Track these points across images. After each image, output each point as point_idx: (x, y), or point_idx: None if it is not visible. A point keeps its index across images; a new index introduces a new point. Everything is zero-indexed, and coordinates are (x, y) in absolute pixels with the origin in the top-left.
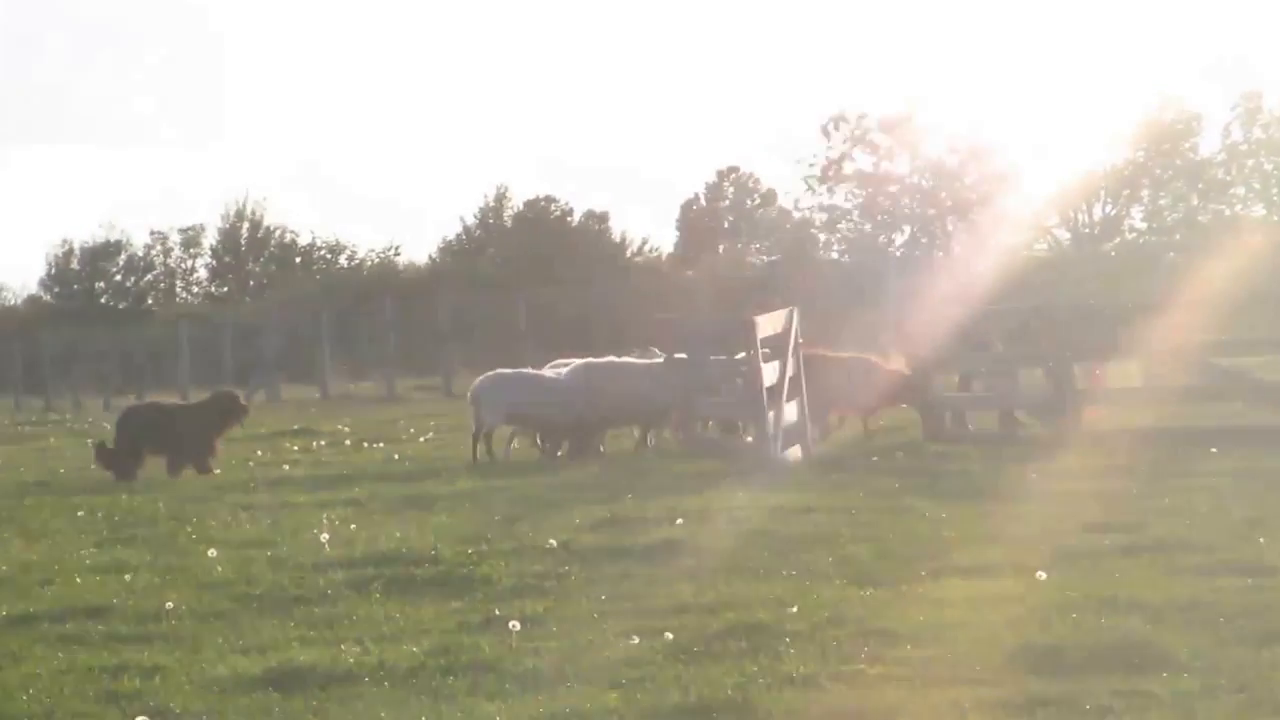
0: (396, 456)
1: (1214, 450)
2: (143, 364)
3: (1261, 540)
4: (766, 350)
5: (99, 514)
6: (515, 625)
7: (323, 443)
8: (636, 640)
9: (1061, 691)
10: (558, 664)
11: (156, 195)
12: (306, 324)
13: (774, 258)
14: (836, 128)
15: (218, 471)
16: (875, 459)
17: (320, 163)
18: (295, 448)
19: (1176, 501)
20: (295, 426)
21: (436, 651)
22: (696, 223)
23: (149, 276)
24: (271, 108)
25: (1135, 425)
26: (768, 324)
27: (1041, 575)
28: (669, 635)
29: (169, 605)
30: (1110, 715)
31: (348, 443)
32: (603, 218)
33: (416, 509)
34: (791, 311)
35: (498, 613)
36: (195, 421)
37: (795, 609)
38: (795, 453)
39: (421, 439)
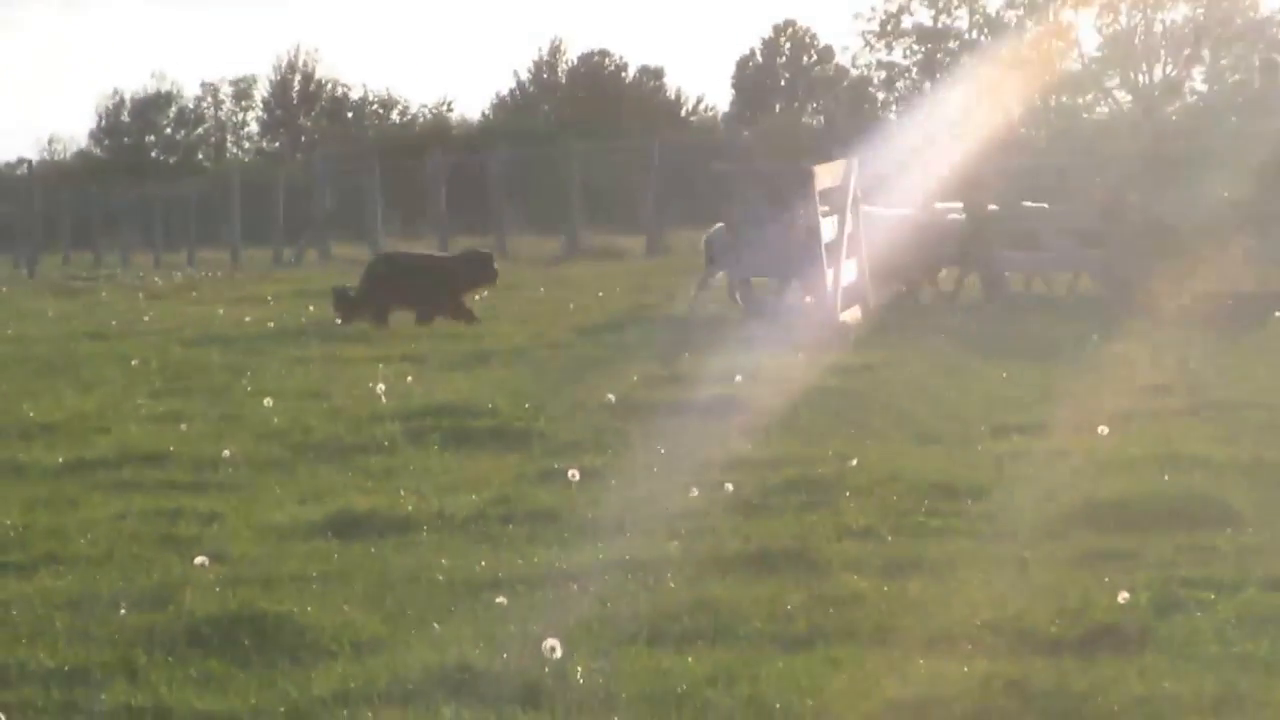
0: None
1: (1279, 314)
2: (189, 220)
3: None
4: (825, 207)
5: (153, 364)
6: (575, 475)
7: None
8: (696, 493)
9: (1123, 545)
10: (617, 514)
11: (209, 46)
12: (358, 180)
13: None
14: None
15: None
16: (934, 320)
17: (373, 13)
18: None
19: (1238, 362)
20: (348, 283)
21: (495, 501)
22: (753, 80)
23: (200, 130)
24: None
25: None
26: (826, 175)
27: (1103, 430)
28: (729, 487)
29: (225, 453)
30: (1171, 568)
31: None
32: (658, 74)
33: (473, 365)
34: (851, 163)
35: (555, 465)
36: (446, 275)
37: (854, 463)
38: (854, 313)
39: (476, 297)
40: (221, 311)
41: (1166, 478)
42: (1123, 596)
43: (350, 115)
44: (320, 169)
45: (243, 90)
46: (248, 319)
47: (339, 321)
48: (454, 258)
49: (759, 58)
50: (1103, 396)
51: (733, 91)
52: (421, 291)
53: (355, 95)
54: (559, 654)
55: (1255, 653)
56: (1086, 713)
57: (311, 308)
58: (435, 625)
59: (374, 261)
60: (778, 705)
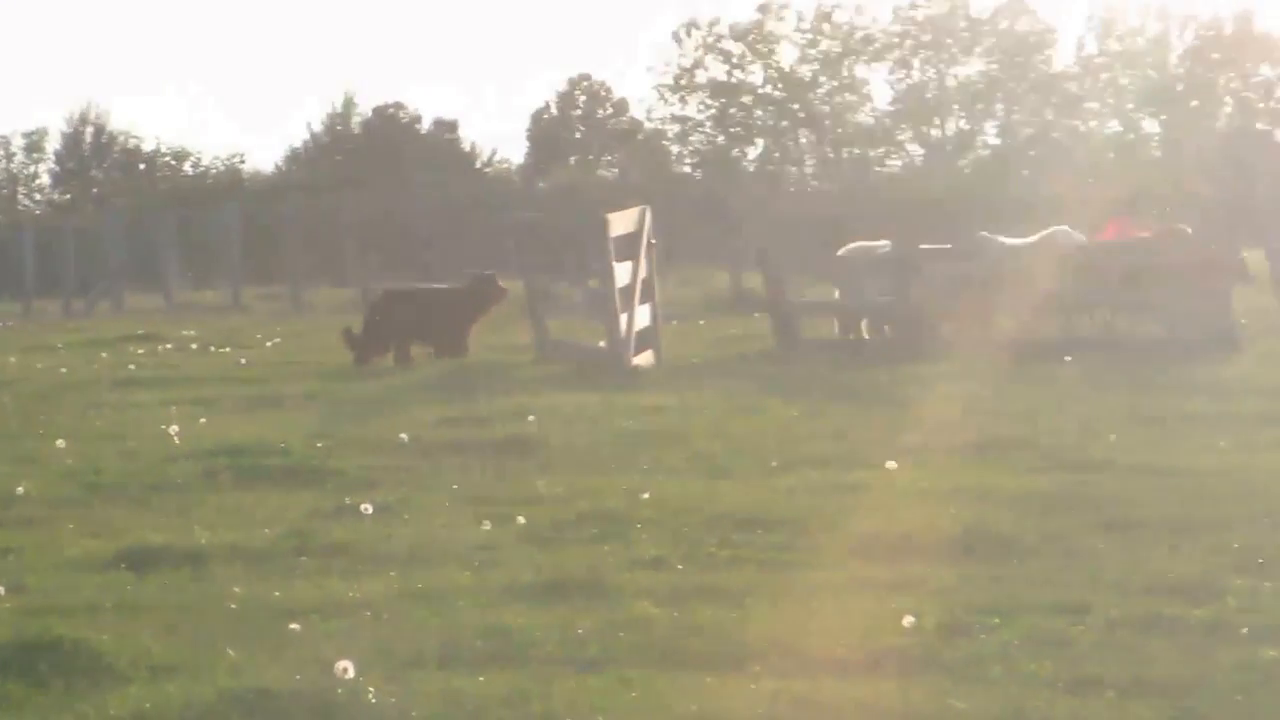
0: (244, 361)
1: (1068, 359)
2: None
3: (1112, 438)
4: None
5: None
6: (368, 509)
7: (169, 346)
8: (488, 526)
9: (909, 574)
10: (409, 547)
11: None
12: (150, 232)
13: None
14: (688, 34)
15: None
16: (727, 364)
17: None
18: (141, 351)
19: (1024, 404)
20: (140, 331)
21: (288, 535)
22: (548, 133)
23: None
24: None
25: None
26: (620, 223)
27: (892, 465)
28: (521, 521)
29: (20, 491)
30: (956, 595)
31: (194, 346)
32: (452, 126)
33: (266, 407)
34: (644, 211)
35: (348, 501)
36: (453, 304)
37: (646, 496)
38: (648, 356)
39: (269, 344)
40: (13, 359)
41: (952, 510)
42: (908, 620)
43: (143, 167)
44: (112, 221)
45: (34, 143)
46: (39, 366)
47: (356, 362)
48: (460, 288)
49: (554, 110)
50: (893, 434)
51: (528, 144)
52: (432, 323)
53: (148, 147)
54: (351, 675)
55: (1038, 673)
56: None
57: (105, 354)
58: (230, 651)
59: (377, 299)
60: None
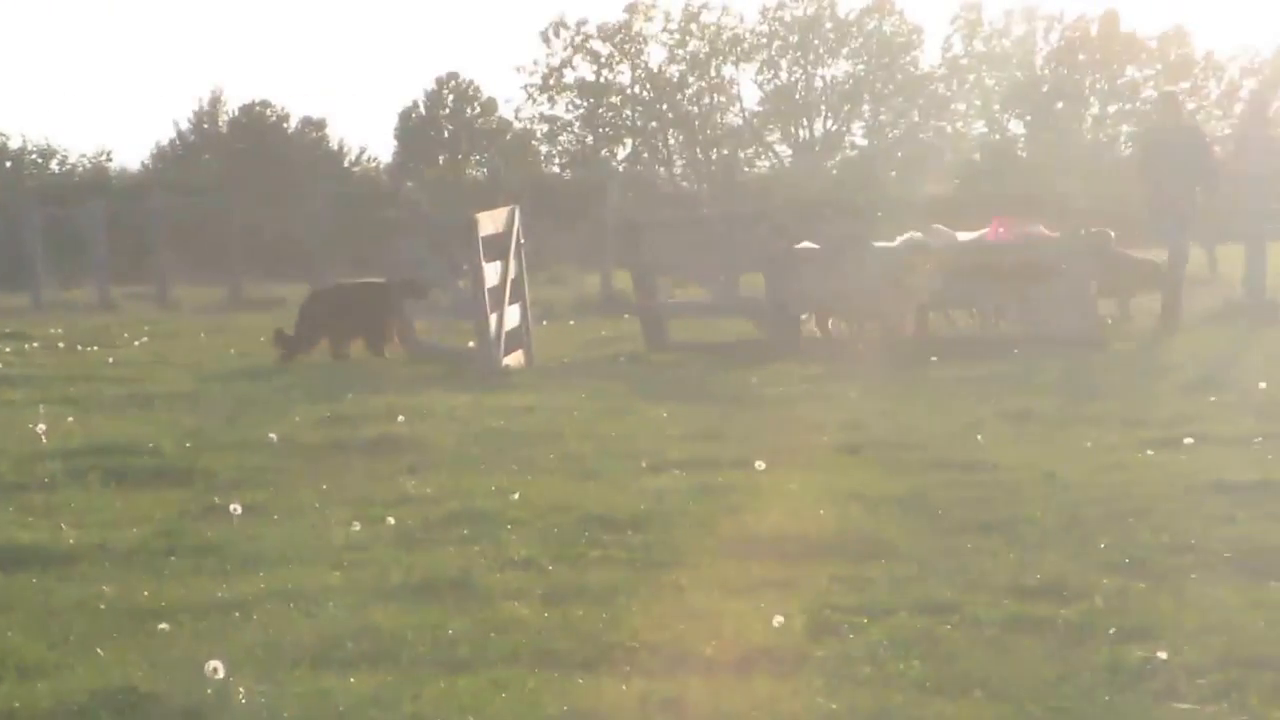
0: (112, 360)
1: (934, 359)
2: None
3: (979, 438)
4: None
5: None
6: (237, 509)
7: (36, 345)
8: (358, 526)
9: (779, 575)
10: (279, 547)
11: None
12: (17, 230)
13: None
14: (556, 34)
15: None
16: (597, 364)
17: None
18: (8, 350)
19: (895, 405)
20: (8, 330)
21: (158, 534)
22: (416, 132)
23: None
24: None
25: (864, 334)
26: (489, 222)
27: (760, 466)
28: (391, 521)
29: None
30: (826, 595)
31: (61, 345)
32: (320, 125)
33: (135, 407)
34: (513, 210)
35: (218, 501)
36: (381, 299)
37: (516, 496)
38: (518, 357)
39: (136, 343)
40: None
41: (821, 511)
42: (777, 620)
43: (9, 165)
44: None
45: None
46: None
47: (281, 360)
48: (386, 282)
49: (422, 109)
50: (762, 435)
51: (396, 143)
52: (361, 319)
53: (14, 145)
54: (221, 675)
55: (906, 672)
56: None
57: None
58: (99, 650)
59: (306, 300)
60: None
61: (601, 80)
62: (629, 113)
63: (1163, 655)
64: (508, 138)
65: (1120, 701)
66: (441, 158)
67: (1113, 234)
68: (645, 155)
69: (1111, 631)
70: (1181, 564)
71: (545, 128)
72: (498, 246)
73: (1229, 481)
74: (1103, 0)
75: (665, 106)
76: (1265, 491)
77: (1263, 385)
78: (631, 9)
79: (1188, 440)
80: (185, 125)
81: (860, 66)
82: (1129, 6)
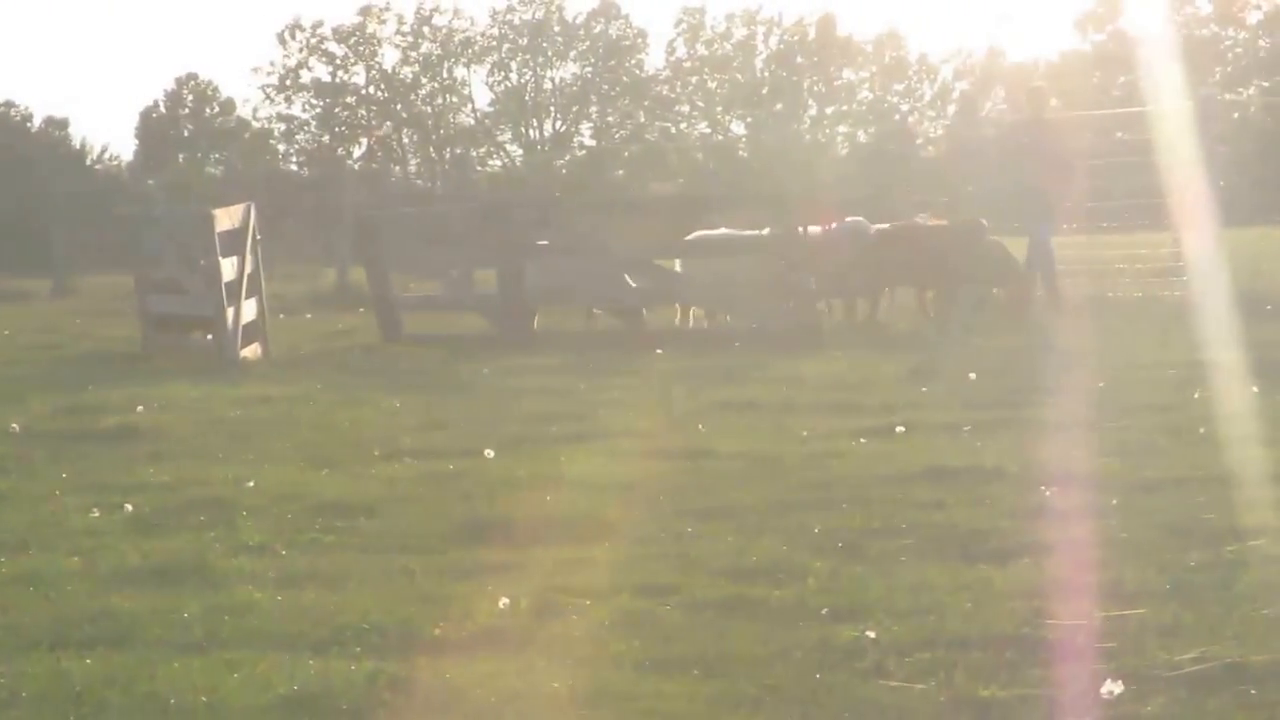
0: None
1: (659, 351)
2: None
3: (700, 428)
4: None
5: None
6: None
7: None
8: (97, 513)
9: (506, 559)
10: (19, 533)
11: None
12: None
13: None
14: (293, 35)
15: None
16: (333, 357)
17: None
18: None
19: (621, 395)
20: None
21: None
22: (157, 131)
23: None
24: None
25: (587, 328)
26: (225, 218)
27: (490, 453)
28: (128, 508)
29: None
30: (551, 578)
31: None
32: (63, 124)
33: None
34: (249, 207)
35: None
36: None
37: (251, 484)
38: (255, 349)
39: None
40: None
41: (548, 497)
42: (503, 602)
43: None
44: None
45: None
46: None
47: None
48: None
49: (162, 109)
50: (492, 424)
51: (137, 141)
52: None
53: None
54: None
55: (627, 652)
56: (467, 706)
57: None
58: None
59: None
60: (173, 702)
61: (337, 81)
62: (364, 112)
63: (872, 634)
64: (246, 136)
65: (830, 679)
66: (181, 156)
67: (985, 223)
68: (380, 154)
69: (824, 612)
70: (892, 547)
71: (283, 127)
72: (235, 242)
73: (938, 467)
74: (821, 4)
75: (399, 106)
76: (973, 477)
77: (972, 376)
78: (365, 12)
79: (899, 428)
80: None
81: (588, 69)
82: (845, 10)
